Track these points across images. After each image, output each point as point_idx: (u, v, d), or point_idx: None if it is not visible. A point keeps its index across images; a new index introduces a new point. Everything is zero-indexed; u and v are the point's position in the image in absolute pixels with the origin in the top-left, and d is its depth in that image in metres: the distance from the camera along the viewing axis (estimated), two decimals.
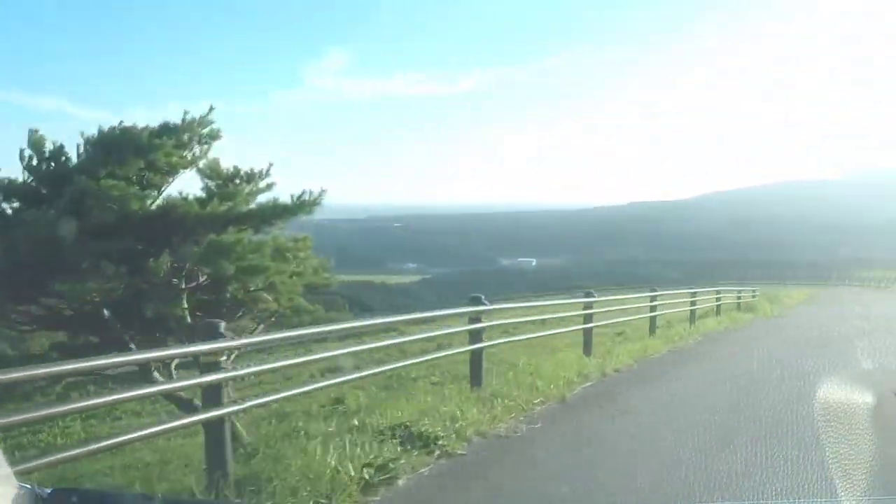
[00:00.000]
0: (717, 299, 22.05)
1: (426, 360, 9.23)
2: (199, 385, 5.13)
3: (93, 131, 8.99)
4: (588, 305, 12.52)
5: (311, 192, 9.75)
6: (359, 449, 5.37)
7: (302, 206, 9.67)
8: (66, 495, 1.87)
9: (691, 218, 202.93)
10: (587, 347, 12.04)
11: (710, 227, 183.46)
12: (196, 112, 9.40)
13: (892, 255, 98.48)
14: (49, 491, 1.85)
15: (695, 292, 20.16)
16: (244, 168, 9.90)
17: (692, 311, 19.28)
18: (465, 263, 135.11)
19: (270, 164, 10.00)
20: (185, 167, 9.41)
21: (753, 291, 27.30)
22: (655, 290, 16.92)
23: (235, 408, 5.15)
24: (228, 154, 10.32)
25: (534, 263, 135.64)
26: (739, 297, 25.74)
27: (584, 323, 12.26)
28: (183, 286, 8.77)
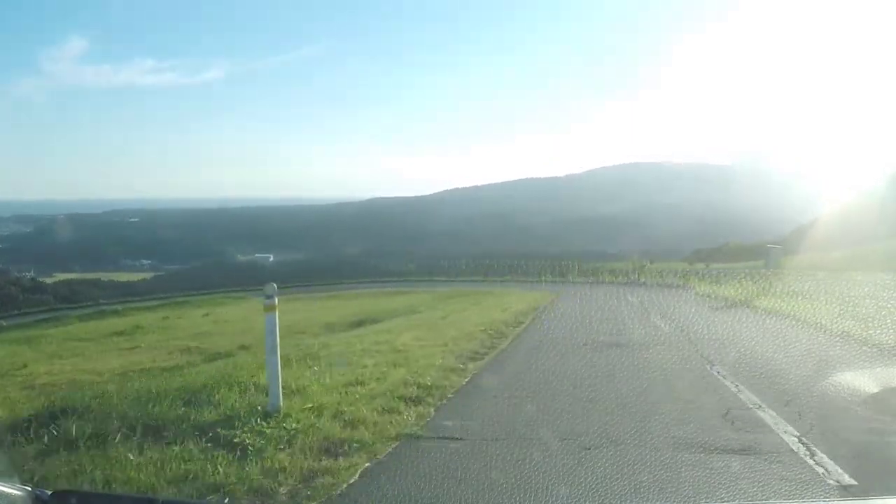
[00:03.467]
0: None
1: None
2: None
3: None
4: None
5: None
6: None
7: None
8: (66, 497, 1.97)
9: (432, 213, 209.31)
10: None
11: (449, 222, 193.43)
12: None
13: (632, 247, 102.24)
14: (49, 492, 1.92)
15: None
16: None
17: None
18: (201, 258, 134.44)
19: None
20: None
21: None
22: None
23: None
24: None
25: (271, 259, 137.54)
26: None
27: None
28: None
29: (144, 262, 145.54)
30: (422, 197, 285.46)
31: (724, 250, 71.95)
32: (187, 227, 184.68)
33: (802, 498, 4.80)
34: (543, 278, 46.59)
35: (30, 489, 1.89)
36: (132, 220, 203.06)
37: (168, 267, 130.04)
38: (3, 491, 1.85)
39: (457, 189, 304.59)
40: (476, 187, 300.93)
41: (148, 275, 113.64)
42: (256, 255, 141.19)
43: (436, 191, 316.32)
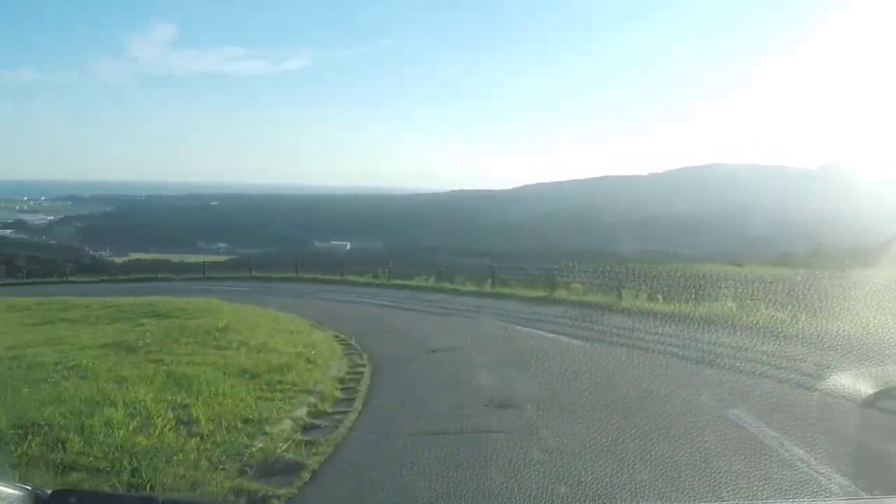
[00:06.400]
0: None
1: None
2: None
3: None
4: None
5: None
6: None
7: None
8: (66, 496, 1.91)
9: (510, 209, 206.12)
10: None
11: (525, 218, 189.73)
12: None
13: (714, 249, 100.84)
14: (49, 492, 1.88)
15: None
16: None
17: None
18: (279, 244, 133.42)
19: None
20: None
21: None
22: None
23: None
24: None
25: (348, 247, 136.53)
26: None
27: None
28: None
29: (221, 245, 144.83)
30: (501, 191, 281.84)
31: (820, 253, 64.09)
32: (267, 212, 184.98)
33: (803, 498, 4.65)
34: (537, 293, 25.63)
35: (29, 488, 1.86)
36: (212, 203, 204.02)
37: (243, 251, 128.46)
38: (3, 491, 1.79)
39: (537, 184, 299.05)
40: (556, 183, 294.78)
41: (222, 257, 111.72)
42: (333, 242, 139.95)
43: (515, 185, 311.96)
